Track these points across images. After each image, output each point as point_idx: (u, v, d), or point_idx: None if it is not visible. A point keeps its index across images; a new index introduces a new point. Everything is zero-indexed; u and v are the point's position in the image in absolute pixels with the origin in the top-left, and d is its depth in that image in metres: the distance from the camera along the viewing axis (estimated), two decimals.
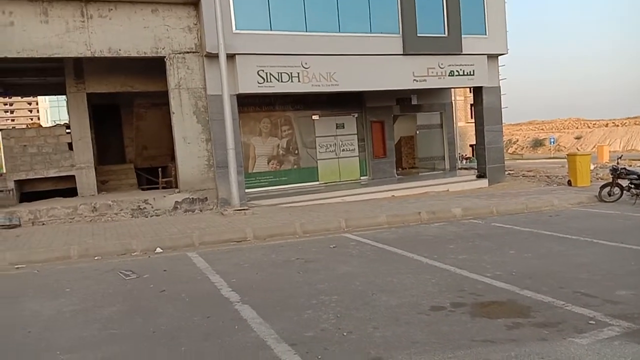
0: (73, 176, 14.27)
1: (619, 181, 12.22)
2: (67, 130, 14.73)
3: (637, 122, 64.45)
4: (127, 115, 18.31)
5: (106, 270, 7.39)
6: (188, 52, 12.79)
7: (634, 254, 6.92)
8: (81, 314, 5.39)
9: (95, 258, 8.31)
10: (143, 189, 16.50)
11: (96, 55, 12.04)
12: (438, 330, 4.36)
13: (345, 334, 4.39)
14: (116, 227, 10.72)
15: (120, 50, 12.10)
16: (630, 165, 17.47)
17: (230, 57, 12.41)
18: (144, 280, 6.69)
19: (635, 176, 11.82)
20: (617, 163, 13.01)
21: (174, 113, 12.76)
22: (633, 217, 10.00)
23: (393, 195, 14.80)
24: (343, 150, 17.34)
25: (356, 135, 17.53)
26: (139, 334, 4.70)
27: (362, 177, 17.60)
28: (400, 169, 19.60)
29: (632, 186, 11.81)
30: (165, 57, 12.58)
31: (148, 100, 17.10)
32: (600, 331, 4.18)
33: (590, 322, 4.40)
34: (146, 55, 12.43)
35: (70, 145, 14.45)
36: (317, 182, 16.78)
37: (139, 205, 12.42)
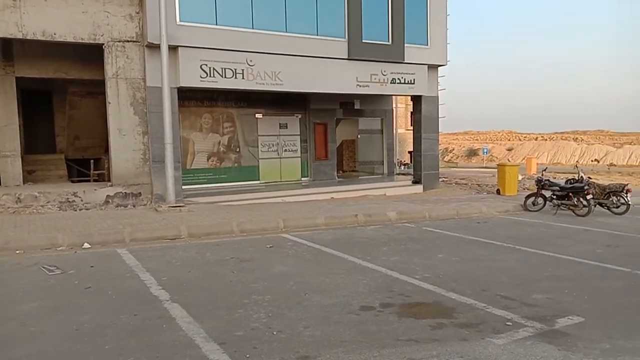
0: None
1: (543, 192, 12.99)
2: None
3: (563, 137, 68.79)
4: (59, 102, 17.41)
5: (28, 265, 7.02)
6: (128, 41, 12.37)
7: (551, 260, 7.38)
8: None
9: (17, 252, 7.86)
10: (73, 181, 15.78)
11: (28, 38, 11.42)
12: (366, 330, 4.48)
13: (275, 333, 4.42)
14: (42, 219, 10.20)
15: (55, 34, 11.52)
16: (555, 178, 18.61)
17: (173, 49, 12.13)
18: (69, 276, 6.41)
19: (558, 188, 12.61)
20: (542, 175, 13.82)
21: (110, 103, 12.29)
22: (553, 226, 10.66)
23: (332, 198, 14.98)
24: (285, 150, 17.36)
25: (299, 136, 17.60)
26: (60, 332, 4.51)
27: (303, 178, 17.68)
28: (340, 172, 19.86)
29: (554, 197, 12.59)
30: (103, 44, 12.10)
31: (83, 89, 16.36)
32: (515, 332, 4.44)
33: (508, 323, 4.66)
34: (83, 41, 11.91)
35: None
36: (258, 182, 16.69)
37: (68, 198, 11.87)
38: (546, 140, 68.96)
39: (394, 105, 21.22)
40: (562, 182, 13.05)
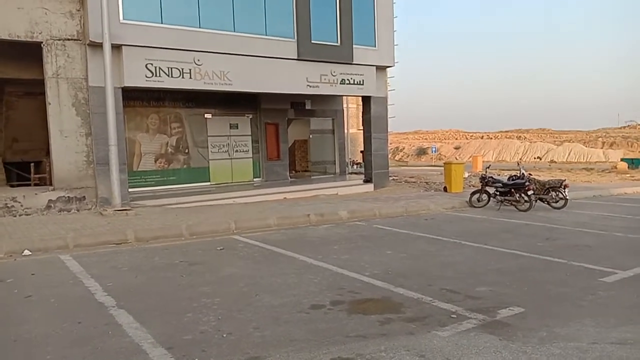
0: None
1: (487, 188, 13.48)
2: None
3: (507, 136, 71.56)
4: None
5: None
6: (69, 39, 11.90)
7: (494, 254, 7.69)
8: None
9: None
10: (12, 186, 15.01)
11: None
12: (316, 328, 4.52)
13: (224, 335, 4.38)
14: None
15: None
16: (499, 175, 19.34)
17: (116, 47, 11.78)
18: (8, 285, 6.12)
19: (501, 184, 13.12)
20: (486, 172, 14.34)
21: (50, 104, 11.79)
22: (497, 222, 11.10)
23: (285, 198, 14.98)
24: (236, 151, 17.21)
25: (250, 137, 17.48)
26: None
27: (255, 179, 17.58)
28: (293, 172, 19.89)
29: (498, 193, 13.09)
30: (42, 42, 11.60)
31: (21, 88, 15.64)
32: (460, 324, 4.60)
33: (452, 316, 4.82)
34: (20, 39, 11.37)
35: None
36: (209, 183, 16.46)
37: (6, 203, 11.30)
38: (491, 138, 71.51)
39: (345, 106, 21.46)
40: (505, 179, 13.58)
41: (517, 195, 12.59)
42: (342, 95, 19.58)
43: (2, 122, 16.50)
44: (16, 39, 11.33)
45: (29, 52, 12.34)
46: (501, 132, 75.82)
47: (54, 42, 11.73)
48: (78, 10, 11.96)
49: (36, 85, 13.56)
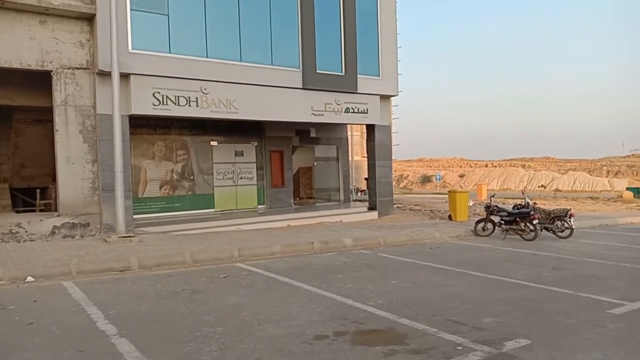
0: None
1: (492, 217, 13.43)
2: None
3: (512, 164, 71.63)
4: (4, 130, 16.72)
5: None
6: (78, 68, 12.12)
7: (500, 284, 7.61)
8: None
9: None
10: (18, 211, 15.08)
11: None
12: (319, 359, 4.46)
13: None
14: None
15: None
16: (504, 203, 19.29)
17: (125, 76, 11.98)
18: (9, 312, 6.08)
19: (505, 213, 13.07)
20: (490, 201, 14.31)
21: (57, 131, 11.93)
22: (502, 251, 11.01)
23: (289, 225, 14.95)
24: (241, 178, 17.28)
25: (255, 164, 17.59)
26: None
27: (259, 206, 17.60)
28: (297, 199, 19.91)
29: (503, 222, 13.03)
30: (52, 71, 11.81)
31: (30, 115, 15.84)
32: (465, 356, 4.52)
33: (458, 347, 4.75)
34: (30, 67, 11.59)
35: None
36: (213, 210, 16.49)
37: (11, 229, 11.33)
38: (496, 167, 71.63)
39: (349, 133, 21.62)
40: (509, 208, 13.54)
41: (523, 224, 12.52)
42: (347, 124, 19.73)
43: (10, 148, 16.69)
44: (27, 67, 11.55)
45: (39, 80, 12.56)
46: (505, 160, 75.96)
47: (63, 71, 11.94)
48: (88, 40, 12.22)
49: (44, 112, 13.75)
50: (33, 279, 7.91)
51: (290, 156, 18.44)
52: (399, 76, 17.53)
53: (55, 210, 12.90)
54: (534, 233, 12.35)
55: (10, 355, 4.65)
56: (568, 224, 12.88)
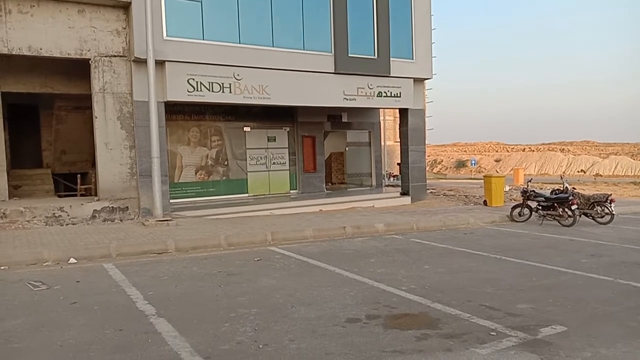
0: None
1: (529, 202, 13.14)
2: None
3: (550, 149, 69.63)
4: (46, 117, 17.35)
5: (13, 281, 6.95)
6: (115, 56, 12.40)
7: (536, 270, 7.47)
8: None
9: (2, 268, 7.78)
10: (60, 196, 15.65)
11: (14, 53, 11.41)
12: (351, 342, 4.50)
13: (261, 346, 4.42)
14: (27, 235, 10.10)
15: (41, 49, 11.53)
16: (541, 188, 18.82)
17: (160, 63, 12.19)
18: (54, 292, 6.36)
19: (543, 198, 12.76)
20: (527, 186, 13.98)
21: (96, 117, 12.28)
22: (539, 237, 10.78)
23: (321, 210, 15.02)
24: (274, 163, 17.41)
25: (287, 149, 17.67)
26: (44, 348, 4.47)
27: (291, 191, 17.72)
28: (329, 184, 19.94)
29: (540, 207, 12.73)
30: (90, 59, 12.12)
31: (70, 103, 16.34)
32: (499, 342, 4.48)
33: (492, 333, 4.71)
34: (70, 56, 11.92)
35: None
36: (246, 195, 16.70)
37: (54, 213, 11.78)
38: (533, 151, 69.76)
39: (382, 118, 21.43)
40: (547, 193, 13.20)
41: (561, 209, 12.21)
42: (379, 108, 19.56)
43: (52, 135, 17.29)
44: (66, 56, 11.88)
45: (77, 69, 12.91)
46: (543, 144, 73.85)
47: (101, 59, 12.23)
48: (124, 28, 12.46)
49: (84, 99, 14.16)
50: (75, 261, 8.23)
51: (322, 141, 18.44)
52: (433, 59, 17.21)
53: (95, 194, 13.34)
54: (572, 219, 12.03)
55: (56, 332, 4.87)
56: (608, 209, 12.48)
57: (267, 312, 5.42)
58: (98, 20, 12.14)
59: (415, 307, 5.56)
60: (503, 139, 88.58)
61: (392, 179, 27.97)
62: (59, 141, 17.31)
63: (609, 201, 12.54)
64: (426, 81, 17.60)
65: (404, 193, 17.33)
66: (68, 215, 11.89)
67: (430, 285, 6.48)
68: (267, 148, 17.26)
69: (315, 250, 9.19)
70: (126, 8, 12.36)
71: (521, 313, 5.32)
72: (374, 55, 15.67)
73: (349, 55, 15.12)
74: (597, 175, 47.23)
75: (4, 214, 11.35)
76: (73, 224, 11.66)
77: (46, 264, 8.06)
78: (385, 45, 15.73)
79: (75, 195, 15.59)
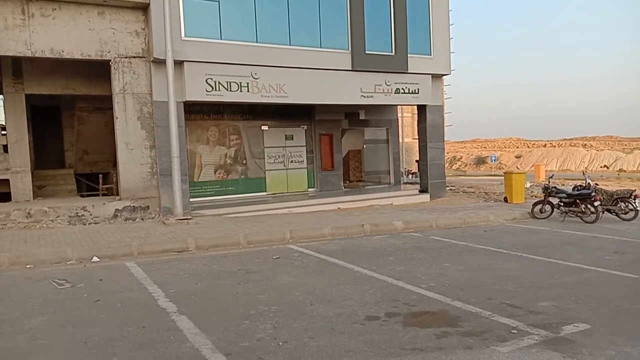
0: (7, 180, 13.63)
1: (550, 199, 12.94)
2: (3, 132, 14.09)
3: (572, 144, 68.46)
4: (68, 118, 17.69)
5: (38, 279, 7.11)
6: (135, 57, 12.56)
7: (558, 267, 7.36)
8: (7, 324, 5.17)
9: (27, 266, 7.96)
10: (82, 196, 15.95)
11: (37, 56, 11.64)
12: (371, 340, 4.50)
13: (281, 343, 4.45)
14: (51, 234, 10.31)
15: (63, 51, 11.74)
16: (563, 185, 18.53)
17: (178, 63, 12.31)
18: (78, 290, 6.49)
19: (565, 195, 12.56)
20: (549, 182, 13.78)
21: (117, 118, 12.46)
22: (561, 234, 10.62)
23: (339, 208, 15.01)
24: (291, 161, 17.45)
25: (305, 147, 17.69)
26: (69, 344, 4.57)
27: (309, 189, 17.75)
28: (347, 182, 19.92)
29: (562, 204, 12.54)
30: (110, 60, 12.30)
31: (91, 104, 16.64)
32: (520, 340, 4.44)
33: (513, 331, 4.66)
34: (90, 58, 12.11)
35: (5, 148, 13.83)
36: (265, 193, 16.78)
37: (77, 213, 12.01)
38: (554, 147, 68.68)
39: (399, 115, 21.32)
40: (569, 189, 12.99)
41: (583, 206, 12.01)
42: (397, 105, 19.45)
43: (74, 136, 17.62)
44: (87, 57, 12.08)
45: (98, 70, 13.13)
46: (565, 140, 72.60)
47: (121, 60, 12.41)
48: (143, 29, 12.61)
49: (104, 100, 14.39)
50: (98, 259, 8.38)
51: (340, 139, 18.42)
52: (451, 54, 17.05)
53: (117, 194, 13.55)
54: (594, 215, 11.82)
55: (80, 328, 4.97)
56: (632, 205, 12.23)
57: (287, 309, 5.45)
58: (117, 21, 12.31)
59: (434, 305, 5.53)
60: (524, 134, 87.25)
61: (410, 176, 27.82)
62: (81, 142, 17.63)
63: (633, 197, 12.28)
64: (444, 77, 17.44)
65: (423, 190, 17.22)
66: (90, 215, 12.10)
67: (450, 283, 6.44)
68: (285, 146, 17.31)
69: (333, 248, 9.20)
70: (145, 9, 12.50)
71: (543, 311, 5.26)
72: (392, 52, 15.58)
73: (366, 52, 15.06)
74: (620, 170, 46.29)
75: (28, 213, 11.61)
76: (95, 223, 11.87)
77: (70, 262, 8.22)
78: (402, 41, 15.63)
79: (97, 195, 15.87)
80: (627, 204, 12.34)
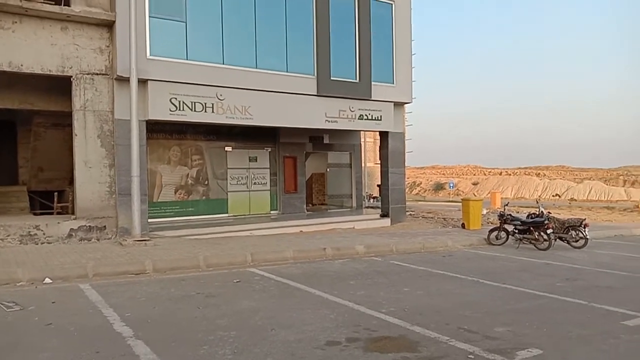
0: None
1: (506, 226, 13.36)
2: None
3: (526, 173, 70.99)
4: (24, 133, 17.09)
5: None
6: (97, 74, 12.36)
7: (513, 293, 7.59)
8: None
9: None
10: (35, 214, 15.35)
11: None
12: None
13: None
14: (0, 253, 9.87)
15: (22, 65, 11.44)
16: (518, 212, 19.15)
17: (142, 82, 12.18)
18: (29, 313, 6.22)
19: (519, 222, 13.00)
20: (504, 209, 14.23)
21: (76, 135, 12.16)
22: (516, 260, 10.95)
23: (301, 231, 15.01)
24: (255, 183, 17.40)
25: (269, 169, 17.70)
26: None
27: (272, 211, 17.70)
28: (310, 205, 19.97)
29: (517, 231, 12.96)
30: (72, 77, 12.05)
31: (49, 120, 16.15)
32: None
33: (470, 356, 4.76)
34: (51, 73, 11.84)
35: None
36: (227, 215, 16.62)
37: (29, 231, 11.54)
38: (510, 175, 71.05)
39: (362, 140, 21.65)
40: (523, 217, 13.46)
41: (537, 233, 12.45)
42: (360, 130, 19.78)
43: (29, 152, 17.01)
44: (48, 73, 11.80)
45: (58, 85, 12.81)
46: (519, 168, 75.31)
47: (83, 77, 12.18)
48: (107, 47, 12.45)
49: (63, 117, 14.01)
50: (51, 281, 8.07)
51: (304, 162, 18.53)
52: (413, 83, 17.56)
53: (72, 213, 13.12)
54: (547, 242, 12.27)
55: (30, 354, 4.76)
56: (582, 233, 12.77)
57: (247, 334, 5.39)
58: (81, 37, 12.12)
59: (394, 330, 5.59)
60: (481, 162, 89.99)
61: (371, 200, 28.14)
62: (36, 158, 17.04)
63: (583, 225, 12.83)
64: (406, 105, 17.90)
65: (384, 215, 17.45)
66: (44, 234, 11.66)
67: (409, 308, 6.53)
68: (249, 168, 17.26)
69: (295, 272, 9.18)
70: (110, 26, 12.38)
71: (499, 336, 5.40)
72: (356, 79, 15.93)
73: (332, 78, 15.34)
74: (571, 199, 48.22)
75: None
76: (48, 243, 11.44)
77: (20, 283, 7.88)
78: (366, 69, 16.01)
79: (52, 214, 15.31)
80: (577, 232, 12.87)
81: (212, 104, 13.29)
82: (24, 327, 5.64)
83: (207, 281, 8.32)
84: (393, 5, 16.80)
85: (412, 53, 17.64)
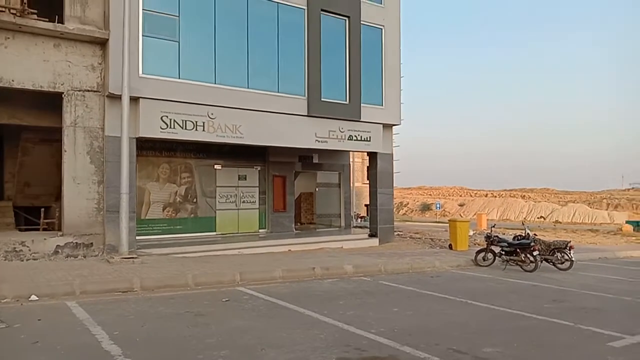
0: None
1: (492, 247, 13.49)
2: None
3: (511, 195, 71.81)
4: (11, 148, 16.91)
5: None
6: (89, 91, 12.38)
7: (501, 314, 7.66)
8: None
9: None
10: (21, 230, 15.13)
11: None
12: None
13: None
14: None
15: (13, 81, 11.45)
16: (504, 234, 19.36)
17: (134, 99, 12.23)
18: (14, 330, 6.13)
19: (506, 244, 13.14)
20: (491, 231, 14.39)
21: (66, 151, 12.11)
22: (503, 281, 11.05)
23: (290, 250, 15.00)
24: (243, 202, 17.39)
25: (257, 188, 17.72)
26: None
27: (260, 230, 17.67)
28: (298, 224, 19.98)
29: (503, 253, 13.09)
30: (63, 93, 12.06)
31: (37, 135, 16.02)
32: None
33: None
34: (42, 89, 11.85)
35: None
36: (215, 233, 16.55)
37: (15, 247, 11.39)
38: (495, 197, 71.79)
39: (351, 160, 21.82)
40: (510, 239, 13.61)
41: (523, 255, 12.59)
42: (350, 151, 19.96)
43: (16, 167, 16.83)
44: (39, 89, 11.81)
45: (48, 101, 12.79)
46: (505, 190, 76.20)
47: (74, 93, 12.20)
48: (100, 64, 12.51)
49: (52, 132, 13.95)
50: (37, 298, 7.96)
51: (293, 181, 18.59)
52: (401, 104, 17.82)
53: (59, 229, 12.98)
54: (534, 264, 12.40)
55: None
56: (568, 256, 12.94)
57: (237, 354, 5.37)
58: (74, 54, 12.17)
59: (384, 350, 5.62)
60: (467, 184, 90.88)
61: (359, 220, 28.24)
62: (23, 173, 16.85)
63: (568, 248, 13.01)
64: (394, 126, 18.13)
65: (372, 234, 17.51)
66: (29, 250, 11.51)
67: (399, 328, 6.56)
68: (238, 186, 17.27)
69: (284, 291, 9.16)
70: (103, 44, 12.45)
71: (488, 356, 5.45)
72: (346, 101, 16.14)
73: (322, 99, 15.53)
74: (556, 222, 48.77)
75: None
76: (34, 259, 11.30)
77: (5, 300, 7.75)
78: (356, 91, 16.25)
79: (38, 230, 15.10)
80: (563, 254, 13.05)
81: (203, 123, 13.36)
82: (9, 345, 5.56)
83: (195, 300, 8.27)
84: (383, 30, 17.15)
85: (401, 76, 17.94)
